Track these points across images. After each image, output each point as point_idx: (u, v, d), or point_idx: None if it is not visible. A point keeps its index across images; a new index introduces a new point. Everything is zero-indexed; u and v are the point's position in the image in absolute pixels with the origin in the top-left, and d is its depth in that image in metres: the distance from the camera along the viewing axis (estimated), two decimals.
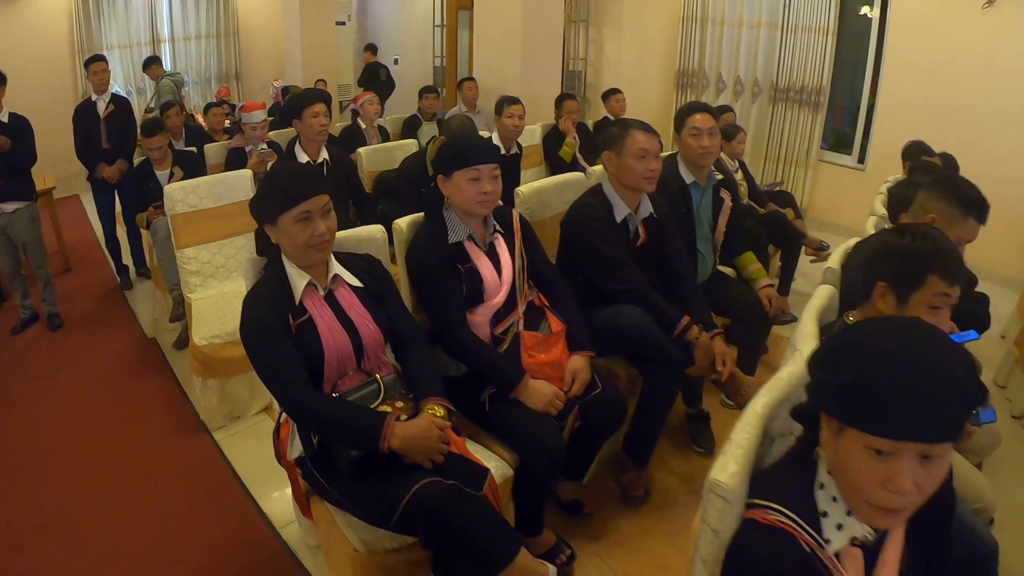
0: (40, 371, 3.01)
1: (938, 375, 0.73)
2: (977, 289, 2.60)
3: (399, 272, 1.86)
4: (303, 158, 2.85)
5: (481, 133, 3.39)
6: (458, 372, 1.75)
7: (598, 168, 2.34)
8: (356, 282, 1.56)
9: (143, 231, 3.57)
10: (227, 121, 4.69)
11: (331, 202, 1.47)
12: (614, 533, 1.96)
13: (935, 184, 1.74)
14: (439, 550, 1.39)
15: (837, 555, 0.83)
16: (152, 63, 5.76)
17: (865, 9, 4.93)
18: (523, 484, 1.66)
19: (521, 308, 1.79)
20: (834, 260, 1.68)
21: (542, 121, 4.46)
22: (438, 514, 1.31)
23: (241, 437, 2.49)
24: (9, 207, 3.17)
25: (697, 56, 5.79)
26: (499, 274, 1.78)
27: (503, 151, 3.47)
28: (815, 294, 1.51)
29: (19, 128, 3.13)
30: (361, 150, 3.55)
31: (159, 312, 3.48)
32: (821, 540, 0.83)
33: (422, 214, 1.84)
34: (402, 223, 1.84)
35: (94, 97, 3.76)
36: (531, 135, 4.24)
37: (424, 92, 4.76)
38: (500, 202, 1.83)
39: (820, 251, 3.44)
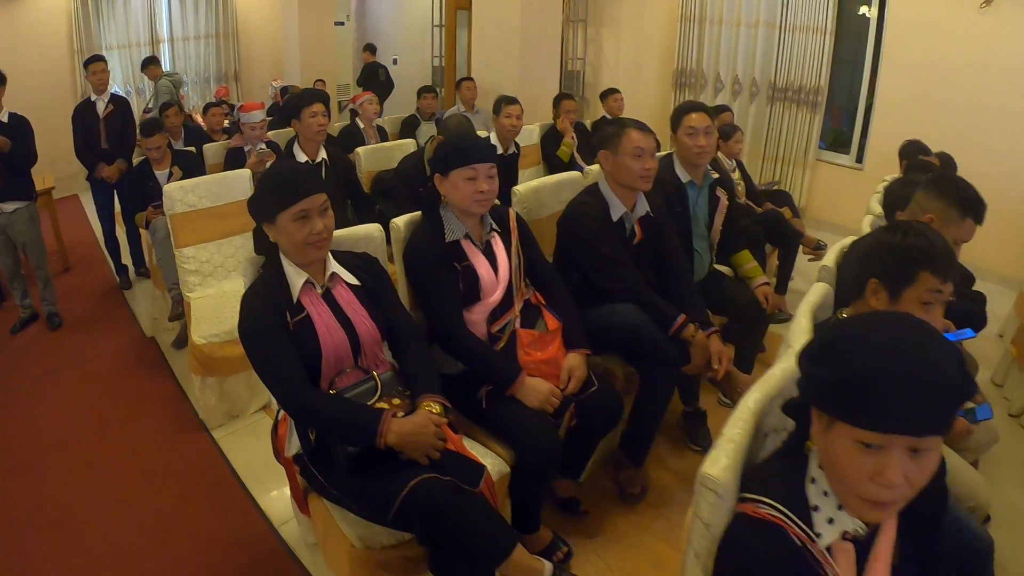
0: (39, 370, 3.02)
1: (926, 369, 0.74)
2: (975, 288, 2.61)
3: (397, 271, 1.86)
4: (302, 158, 2.86)
5: (479, 133, 3.40)
6: (455, 370, 1.76)
7: (595, 167, 2.35)
8: (354, 280, 1.57)
9: (142, 231, 3.57)
10: (226, 121, 4.70)
11: (328, 201, 1.48)
12: (611, 530, 1.97)
13: (933, 183, 1.73)
14: (436, 546, 1.40)
15: (829, 549, 0.84)
16: (150, 63, 5.77)
17: (863, 9, 4.94)
18: (519, 481, 1.67)
19: (518, 306, 1.80)
20: (829, 258, 1.69)
21: (540, 121, 4.47)
22: (434, 510, 1.32)
23: (240, 435, 2.50)
24: (9, 207, 3.18)
25: (695, 56, 5.80)
26: (495, 272, 1.79)
27: (501, 151, 3.48)
28: (810, 291, 1.52)
29: (19, 128, 3.14)
30: (359, 150, 3.56)
31: (158, 311, 3.49)
32: (812, 534, 0.84)
33: (419, 213, 1.85)
34: (399, 222, 1.85)
35: (93, 97, 3.77)
36: (529, 135, 4.25)
37: (422, 92, 4.78)
38: (497, 201, 1.84)
39: (818, 250, 3.45)
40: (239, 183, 2.96)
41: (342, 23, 8.23)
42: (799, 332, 1.32)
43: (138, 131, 3.66)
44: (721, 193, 2.45)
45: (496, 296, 1.77)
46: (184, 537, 1.98)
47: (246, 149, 3.42)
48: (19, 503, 2.14)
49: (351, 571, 1.48)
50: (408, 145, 3.77)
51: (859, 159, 5.08)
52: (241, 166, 3.17)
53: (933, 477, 0.79)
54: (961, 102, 4.28)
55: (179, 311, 3.04)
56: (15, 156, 3.11)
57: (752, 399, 1.03)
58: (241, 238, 2.95)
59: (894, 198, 2.07)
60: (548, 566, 1.49)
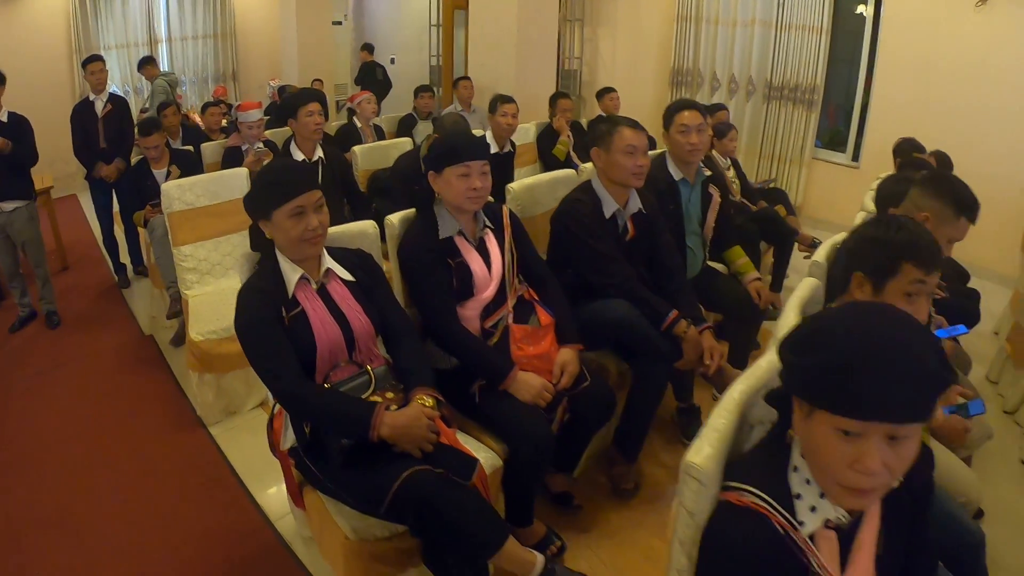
0: (38, 368, 3.03)
1: (903, 357, 0.75)
2: (970, 285, 2.63)
3: (391, 268, 1.88)
4: (298, 156, 2.88)
5: (476, 131, 3.41)
6: (448, 365, 1.77)
7: (589, 165, 2.37)
8: (348, 276, 1.59)
9: (140, 229, 3.59)
10: (224, 120, 4.71)
11: (323, 197, 1.49)
12: (604, 525, 1.99)
13: (929, 182, 1.73)
14: (429, 537, 1.42)
15: (812, 537, 0.85)
16: (147, 63, 5.79)
17: (859, 7, 4.96)
18: (512, 475, 1.68)
19: (511, 302, 1.81)
20: (820, 254, 1.70)
21: (537, 120, 4.48)
22: (427, 501, 1.34)
23: (237, 432, 2.51)
24: (8, 206, 3.20)
25: (692, 54, 5.82)
26: (489, 269, 1.80)
27: (497, 149, 3.49)
28: (799, 287, 1.54)
29: (19, 127, 3.15)
30: (356, 148, 3.57)
31: (156, 309, 3.50)
32: (795, 522, 0.84)
33: (413, 210, 1.87)
34: (394, 219, 1.87)
35: (92, 97, 3.78)
36: (525, 133, 4.25)
37: (420, 91, 4.79)
38: (491, 198, 1.85)
39: (813, 248, 3.46)
40: (236, 181, 2.97)
41: (340, 23, 8.25)
42: (787, 327, 1.32)
43: (136, 131, 3.67)
44: (713, 190, 2.47)
45: (489, 292, 1.78)
46: (182, 532, 2.00)
47: (243, 148, 3.43)
48: (18, 500, 2.16)
49: (345, 563, 1.49)
50: (405, 144, 3.78)
51: (855, 157, 5.09)
52: (238, 165, 3.19)
53: (919, 469, 0.80)
54: (957, 101, 4.29)
55: (177, 309, 3.05)
56: (16, 156, 3.12)
57: (738, 390, 1.04)
58: (239, 236, 2.96)
59: (887, 194, 2.08)
60: (540, 558, 1.50)
